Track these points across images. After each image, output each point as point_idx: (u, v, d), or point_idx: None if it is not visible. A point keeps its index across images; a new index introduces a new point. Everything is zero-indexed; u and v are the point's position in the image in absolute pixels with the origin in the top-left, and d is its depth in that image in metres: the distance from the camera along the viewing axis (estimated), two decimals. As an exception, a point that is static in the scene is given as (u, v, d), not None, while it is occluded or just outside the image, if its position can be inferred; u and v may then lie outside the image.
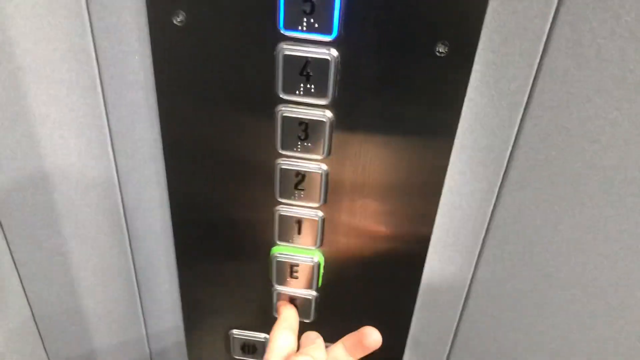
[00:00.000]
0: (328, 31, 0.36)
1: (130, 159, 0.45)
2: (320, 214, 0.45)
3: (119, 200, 0.47)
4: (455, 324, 0.51)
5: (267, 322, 0.54)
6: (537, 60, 0.36)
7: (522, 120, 0.38)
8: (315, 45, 0.37)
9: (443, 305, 0.50)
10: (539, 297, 0.47)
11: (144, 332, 0.58)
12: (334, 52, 0.37)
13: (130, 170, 0.46)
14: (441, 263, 0.47)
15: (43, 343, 0.59)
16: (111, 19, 0.38)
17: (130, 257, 0.52)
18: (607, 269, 0.45)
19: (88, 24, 0.38)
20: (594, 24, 0.34)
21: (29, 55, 0.40)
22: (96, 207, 0.48)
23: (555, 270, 0.46)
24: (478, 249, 0.46)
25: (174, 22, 0.37)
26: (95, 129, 0.43)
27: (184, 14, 0.37)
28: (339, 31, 0.36)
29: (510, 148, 0.40)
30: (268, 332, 0.55)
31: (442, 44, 0.36)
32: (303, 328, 0.53)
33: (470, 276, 0.48)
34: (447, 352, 0.53)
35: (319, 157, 0.42)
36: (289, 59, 0.37)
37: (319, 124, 0.40)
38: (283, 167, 0.43)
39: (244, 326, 0.55)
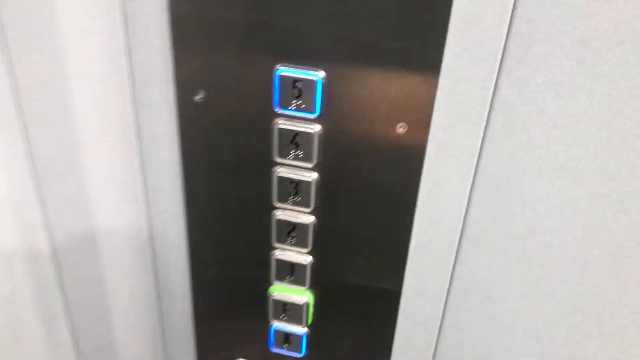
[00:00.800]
0: (312, 110, 0.46)
1: (161, 216, 0.55)
2: (310, 259, 0.54)
3: (151, 254, 0.58)
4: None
5: (265, 354, 0.62)
6: (479, 141, 0.44)
7: (471, 190, 0.46)
8: (302, 121, 0.46)
9: (418, 343, 0.57)
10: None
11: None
12: (317, 127, 0.46)
13: (161, 227, 0.56)
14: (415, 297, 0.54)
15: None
16: (150, 95, 0.49)
17: (156, 297, 0.61)
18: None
19: (130, 98, 0.49)
20: (523, 115, 0.42)
21: (86, 134, 0.51)
22: (132, 266, 0.59)
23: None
24: (445, 294, 0.53)
25: (195, 99, 0.48)
26: (132, 184, 0.54)
27: (203, 93, 0.47)
28: (321, 110, 0.46)
29: (464, 209, 0.47)
30: (269, 356, 0.63)
31: (402, 124, 0.45)
32: (296, 362, 0.61)
33: (439, 323, 0.55)
34: None
35: (307, 210, 0.51)
36: (282, 131, 0.47)
37: (306, 183, 0.49)
38: (279, 217, 0.52)
39: (245, 356, 0.63)
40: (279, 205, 0.51)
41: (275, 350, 0.61)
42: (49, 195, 0.55)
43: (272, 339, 0.60)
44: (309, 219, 0.51)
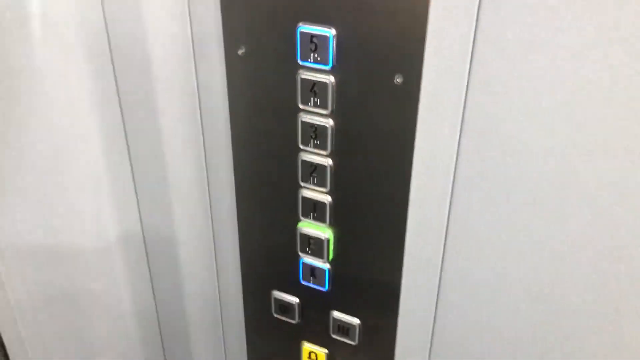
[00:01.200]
0: (326, 63, 0.55)
1: (214, 158, 0.67)
2: (329, 198, 0.63)
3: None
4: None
5: (296, 287, 0.72)
6: (464, 92, 0.51)
7: (460, 137, 0.53)
8: (319, 72, 0.56)
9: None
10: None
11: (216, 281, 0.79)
12: (331, 77, 0.56)
13: (215, 167, 0.68)
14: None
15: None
16: (205, 51, 0.61)
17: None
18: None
19: (192, 57, 0.62)
20: (499, 69, 0.49)
21: (161, 83, 0.64)
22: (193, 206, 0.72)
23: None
24: (444, 232, 0.59)
25: (238, 53, 0.59)
26: (194, 130, 0.66)
27: (244, 48, 0.58)
28: (333, 63, 0.55)
29: (455, 154, 0.54)
30: (296, 295, 0.72)
31: (399, 75, 0.53)
32: (319, 296, 0.70)
33: (440, 261, 0.61)
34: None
35: (325, 152, 0.60)
36: (303, 81, 0.57)
37: (323, 128, 0.58)
38: (303, 159, 0.61)
39: (281, 288, 0.73)
40: (302, 147, 0.61)
41: (304, 282, 0.70)
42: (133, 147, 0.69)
43: (300, 272, 0.70)
44: (327, 161, 0.60)
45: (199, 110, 0.65)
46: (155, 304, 0.86)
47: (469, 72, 0.50)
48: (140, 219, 0.77)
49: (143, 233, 0.79)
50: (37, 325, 0.77)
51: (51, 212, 0.71)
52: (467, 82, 0.50)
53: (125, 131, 0.70)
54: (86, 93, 0.66)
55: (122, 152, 0.71)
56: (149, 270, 0.83)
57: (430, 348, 0.67)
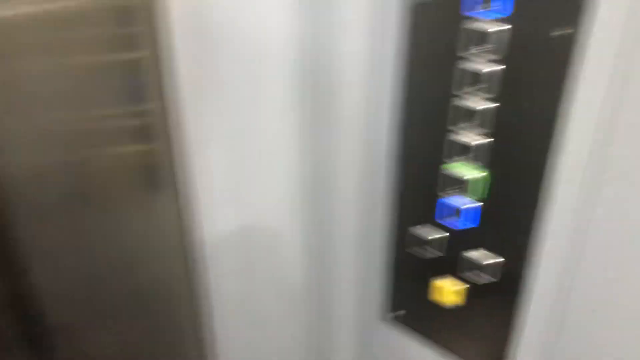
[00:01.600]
0: (502, 12, 0.61)
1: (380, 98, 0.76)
2: (487, 140, 0.69)
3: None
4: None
5: (433, 225, 0.79)
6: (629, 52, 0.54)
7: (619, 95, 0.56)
8: (494, 22, 0.62)
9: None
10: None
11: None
12: (505, 26, 0.62)
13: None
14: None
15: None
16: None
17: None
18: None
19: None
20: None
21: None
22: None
23: None
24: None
25: (418, 2, 0.67)
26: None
27: (427, -3, 0.67)
28: (508, 13, 0.61)
29: (612, 108, 0.58)
30: (435, 225, 0.79)
31: (565, 27, 0.58)
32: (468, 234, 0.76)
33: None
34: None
35: (490, 96, 0.66)
36: (478, 28, 0.63)
37: (493, 73, 0.65)
38: (455, 104, 0.68)
39: (419, 223, 0.81)
40: (458, 93, 0.68)
41: (441, 221, 0.77)
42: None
43: (440, 210, 0.77)
44: (490, 106, 0.67)
45: (373, 54, 0.74)
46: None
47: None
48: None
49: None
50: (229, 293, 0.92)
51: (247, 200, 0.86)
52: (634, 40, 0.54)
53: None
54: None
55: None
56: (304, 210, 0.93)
57: (566, 296, 0.70)
